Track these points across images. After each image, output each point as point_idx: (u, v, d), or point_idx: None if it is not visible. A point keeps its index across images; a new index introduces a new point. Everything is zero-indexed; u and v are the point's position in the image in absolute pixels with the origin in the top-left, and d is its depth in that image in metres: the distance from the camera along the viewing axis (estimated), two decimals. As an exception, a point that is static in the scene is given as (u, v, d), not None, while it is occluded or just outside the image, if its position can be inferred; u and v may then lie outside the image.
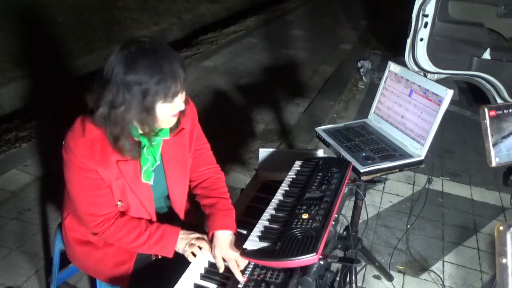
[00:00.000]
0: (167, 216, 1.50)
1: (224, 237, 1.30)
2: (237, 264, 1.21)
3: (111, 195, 1.28)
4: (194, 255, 1.29)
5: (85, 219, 1.30)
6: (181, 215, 1.50)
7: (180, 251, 1.32)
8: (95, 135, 1.20)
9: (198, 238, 1.32)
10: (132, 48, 1.13)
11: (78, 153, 1.19)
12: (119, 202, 1.31)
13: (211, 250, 1.30)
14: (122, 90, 1.12)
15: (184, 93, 1.22)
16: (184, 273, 1.22)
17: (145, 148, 1.27)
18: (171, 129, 1.30)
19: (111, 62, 1.13)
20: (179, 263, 1.29)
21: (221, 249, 1.27)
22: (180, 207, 1.48)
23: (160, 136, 1.28)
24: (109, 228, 1.30)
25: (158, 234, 1.32)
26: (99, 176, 1.23)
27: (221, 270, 1.25)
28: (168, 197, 1.47)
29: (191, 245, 1.30)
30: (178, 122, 1.30)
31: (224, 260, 1.26)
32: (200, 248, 1.30)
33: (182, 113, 1.28)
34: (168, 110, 1.19)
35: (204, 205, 1.44)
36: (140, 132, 1.24)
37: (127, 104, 1.13)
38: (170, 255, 1.33)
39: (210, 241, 1.33)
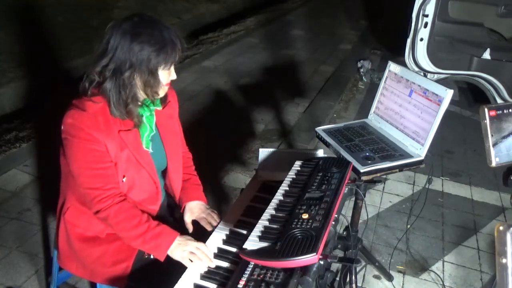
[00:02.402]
0: (164, 210, 1.53)
1: (195, 204, 1.55)
2: (208, 221, 1.49)
3: (115, 169, 1.33)
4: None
5: (91, 194, 1.31)
6: (177, 194, 1.56)
7: (177, 258, 1.30)
8: (96, 110, 1.27)
9: (198, 248, 1.29)
10: (135, 18, 1.26)
11: (85, 126, 1.25)
12: (124, 178, 1.34)
13: (210, 260, 1.28)
14: (129, 56, 1.24)
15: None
16: (184, 273, 1.22)
17: (144, 117, 1.37)
18: (161, 101, 1.42)
19: (115, 32, 1.24)
20: (178, 263, 1.29)
21: (192, 213, 1.52)
22: (177, 182, 1.55)
23: (153, 106, 1.39)
24: (112, 206, 1.31)
25: (156, 231, 1.32)
26: (105, 149, 1.29)
27: (191, 231, 1.48)
28: (164, 175, 1.54)
29: (191, 253, 1.28)
30: (165, 95, 1.42)
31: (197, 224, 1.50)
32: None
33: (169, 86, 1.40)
34: (166, 77, 1.32)
35: None
36: (140, 102, 1.34)
37: (133, 68, 1.25)
38: (161, 257, 1.32)
39: (183, 211, 1.54)
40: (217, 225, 1.45)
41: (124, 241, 1.38)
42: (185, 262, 1.28)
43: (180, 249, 1.30)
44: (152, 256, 1.39)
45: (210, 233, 1.41)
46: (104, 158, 1.30)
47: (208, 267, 1.27)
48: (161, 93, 1.36)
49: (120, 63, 1.24)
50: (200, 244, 1.31)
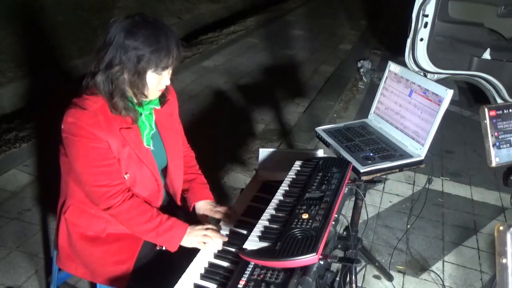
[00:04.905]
0: (165, 208, 1.52)
1: (203, 203, 1.56)
2: (225, 216, 1.47)
3: (119, 165, 1.33)
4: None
5: (98, 191, 1.31)
6: (178, 192, 1.57)
7: (192, 245, 1.34)
8: (96, 108, 1.27)
9: (207, 229, 1.35)
10: (137, 17, 1.26)
11: (86, 124, 1.25)
12: (126, 175, 1.35)
13: (222, 236, 1.35)
14: (120, 52, 1.23)
15: (171, 70, 1.33)
16: (184, 273, 1.22)
17: (142, 115, 1.38)
18: (160, 100, 1.43)
19: (114, 27, 1.24)
20: (178, 264, 1.29)
21: (205, 213, 1.53)
22: (178, 180, 1.55)
23: (152, 105, 1.40)
24: (124, 203, 1.33)
25: (168, 224, 1.35)
26: (107, 146, 1.29)
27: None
28: (165, 173, 1.54)
29: (204, 235, 1.33)
30: (164, 94, 1.43)
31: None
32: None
33: (166, 88, 1.39)
34: (156, 81, 1.30)
35: (184, 180, 1.60)
36: (135, 101, 1.34)
37: (122, 65, 1.25)
38: (173, 249, 1.35)
39: (193, 211, 1.56)
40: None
41: (137, 235, 1.40)
42: (200, 246, 1.32)
43: (192, 236, 1.34)
44: (164, 248, 1.41)
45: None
46: (107, 155, 1.30)
47: (208, 267, 1.27)
48: (151, 96, 1.34)
49: (112, 57, 1.24)
50: (208, 225, 1.37)
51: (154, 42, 1.23)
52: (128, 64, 1.24)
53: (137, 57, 1.23)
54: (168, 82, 1.34)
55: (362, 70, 5.07)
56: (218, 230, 1.37)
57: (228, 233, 1.41)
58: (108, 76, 1.26)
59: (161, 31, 1.25)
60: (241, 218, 1.48)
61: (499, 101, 3.91)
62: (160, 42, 1.24)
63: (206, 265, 1.28)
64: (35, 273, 2.04)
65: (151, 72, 1.27)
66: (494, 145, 1.21)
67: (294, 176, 1.46)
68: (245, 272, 1.15)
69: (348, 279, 1.80)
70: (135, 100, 1.34)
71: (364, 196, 1.84)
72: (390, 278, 2.21)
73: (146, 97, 1.33)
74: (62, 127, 1.28)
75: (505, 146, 1.23)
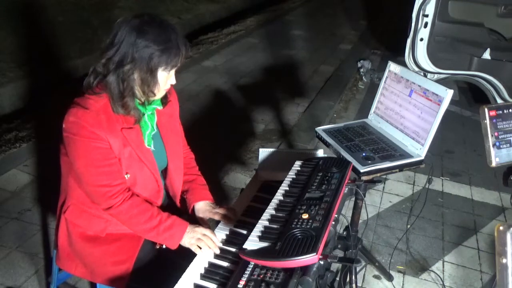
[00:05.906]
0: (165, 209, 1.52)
1: (202, 204, 1.56)
2: (224, 216, 1.48)
3: (120, 166, 1.34)
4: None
5: (99, 191, 1.32)
6: (178, 193, 1.57)
7: (186, 245, 1.35)
8: (98, 107, 1.28)
9: (204, 235, 1.35)
10: (146, 17, 1.27)
11: (87, 123, 1.25)
12: (126, 175, 1.36)
13: (216, 247, 1.34)
14: (132, 50, 1.24)
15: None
16: (184, 273, 1.22)
17: (145, 115, 1.39)
18: (162, 100, 1.44)
19: (123, 27, 1.25)
20: (178, 264, 1.30)
21: (203, 213, 1.54)
22: (178, 181, 1.56)
23: (154, 105, 1.41)
24: (124, 202, 1.33)
25: (168, 223, 1.36)
26: (108, 146, 1.29)
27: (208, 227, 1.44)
28: (165, 174, 1.54)
29: (199, 239, 1.33)
30: (165, 95, 1.44)
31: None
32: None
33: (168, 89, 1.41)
34: (164, 79, 1.32)
35: (183, 181, 1.61)
36: (138, 101, 1.35)
37: (134, 63, 1.26)
38: (174, 246, 1.36)
39: (192, 212, 1.56)
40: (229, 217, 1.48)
41: (138, 234, 1.40)
42: (193, 248, 1.33)
43: (189, 236, 1.35)
44: (164, 246, 1.42)
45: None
46: (108, 155, 1.30)
47: (208, 267, 1.27)
48: (158, 95, 1.35)
49: (123, 56, 1.25)
50: (206, 231, 1.36)
51: (164, 40, 1.25)
52: (140, 62, 1.25)
53: (148, 55, 1.25)
54: (174, 81, 1.36)
55: (362, 70, 5.07)
56: (214, 237, 1.36)
57: (228, 233, 1.41)
58: (119, 75, 1.26)
59: (169, 30, 1.27)
60: (241, 218, 1.48)
61: (499, 101, 3.91)
62: (170, 41, 1.26)
63: (206, 265, 1.28)
64: (35, 273, 2.03)
65: (161, 70, 1.29)
66: (494, 145, 1.21)
67: (294, 176, 1.45)
68: (245, 272, 1.15)
69: (348, 279, 1.80)
70: (142, 99, 1.35)
71: (364, 196, 1.84)
72: (390, 278, 2.21)
73: (155, 95, 1.34)
74: (64, 126, 1.28)
75: (505, 146, 1.23)
